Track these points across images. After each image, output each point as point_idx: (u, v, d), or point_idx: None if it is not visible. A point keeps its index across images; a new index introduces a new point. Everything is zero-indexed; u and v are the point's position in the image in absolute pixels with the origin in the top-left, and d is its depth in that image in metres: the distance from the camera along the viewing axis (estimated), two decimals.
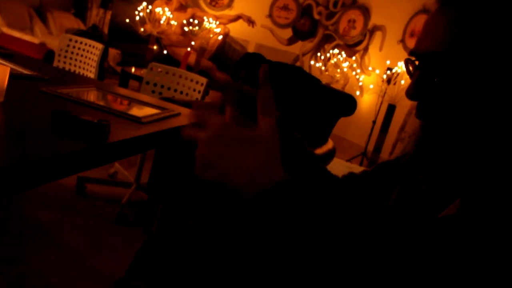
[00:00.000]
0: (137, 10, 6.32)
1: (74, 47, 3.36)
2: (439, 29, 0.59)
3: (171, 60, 6.66)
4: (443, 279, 0.48)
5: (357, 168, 3.26)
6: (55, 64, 3.35)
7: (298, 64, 6.87)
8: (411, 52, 0.62)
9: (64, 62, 3.36)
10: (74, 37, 3.41)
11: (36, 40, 5.18)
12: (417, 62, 0.62)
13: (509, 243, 0.47)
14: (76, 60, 3.35)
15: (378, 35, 6.28)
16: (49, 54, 4.76)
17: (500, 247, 0.47)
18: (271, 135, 0.59)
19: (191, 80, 2.83)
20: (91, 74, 3.27)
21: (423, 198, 0.63)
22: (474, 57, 0.55)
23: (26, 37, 5.18)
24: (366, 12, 6.44)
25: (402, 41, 5.69)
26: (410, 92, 0.61)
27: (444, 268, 0.48)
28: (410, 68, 0.64)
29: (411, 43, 4.72)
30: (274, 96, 0.62)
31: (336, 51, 6.38)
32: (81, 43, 3.35)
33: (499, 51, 0.55)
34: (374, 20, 6.35)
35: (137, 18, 6.31)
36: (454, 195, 0.56)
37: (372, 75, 6.00)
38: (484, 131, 0.57)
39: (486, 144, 0.57)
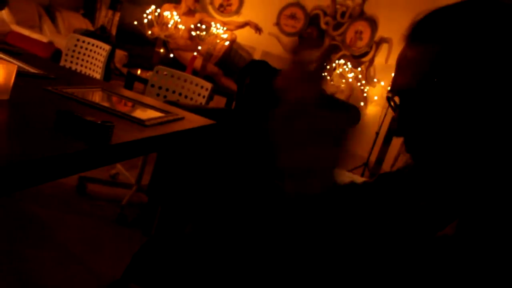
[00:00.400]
0: (145, 13, 6.35)
1: (81, 47, 3.37)
2: (410, 66, 0.60)
3: (177, 64, 6.68)
4: None
5: (359, 179, 3.23)
6: (62, 63, 3.37)
7: None
8: (389, 91, 0.63)
9: (71, 62, 3.38)
10: (82, 37, 3.43)
11: (44, 39, 5.21)
12: (396, 99, 0.63)
13: (506, 267, 0.47)
14: (83, 60, 3.37)
15: (384, 47, 6.28)
16: (57, 53, 4.78)
17: (497, 271, 0.47)
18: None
19: (196, 85, 2.83)
20: (97, 74, 3.29)
21: (422, 215, 0.63)
22: (447, 90, 0.56)
23: (35, 35, 5.21)
24: (373, 24, 6.45)
25: None
26: (394, 129, 0.62)
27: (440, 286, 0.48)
28: (392, 104, 0.64)
29: None
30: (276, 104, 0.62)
31: (341, 61, 6.38)
32: (88, 43, 3.37)
33: (470, 82, 0.55)
34: (381, 32, 6.36)
35: (145, 21, 6.34)
36: (452, 215, 0.56)
37: (377, 86, 5.99)
38: (473, 156, 0.57)
39: (478, 168, 0.57)
